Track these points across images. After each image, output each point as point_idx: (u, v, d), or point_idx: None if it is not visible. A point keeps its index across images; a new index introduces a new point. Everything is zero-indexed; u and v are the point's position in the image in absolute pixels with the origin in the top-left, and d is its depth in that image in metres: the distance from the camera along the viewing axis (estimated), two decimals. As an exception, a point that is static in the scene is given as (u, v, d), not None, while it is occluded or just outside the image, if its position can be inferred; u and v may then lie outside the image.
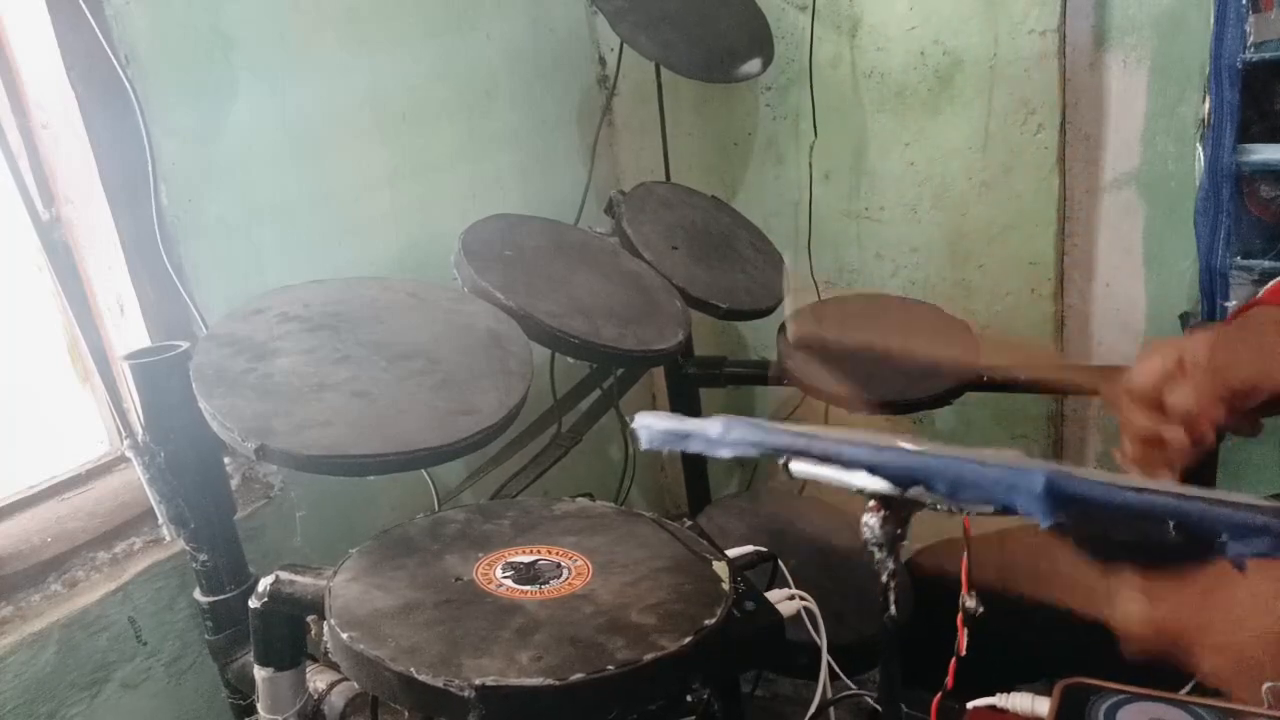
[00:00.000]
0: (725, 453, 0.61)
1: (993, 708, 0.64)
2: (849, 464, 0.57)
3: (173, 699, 1.08)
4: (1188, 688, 0.63)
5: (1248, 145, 1.42)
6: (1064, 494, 0.51)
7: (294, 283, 1.07)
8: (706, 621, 0.70)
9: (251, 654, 0.88)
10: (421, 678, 0.64)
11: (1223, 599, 0.64)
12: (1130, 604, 0.67)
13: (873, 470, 0.56)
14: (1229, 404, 0.73)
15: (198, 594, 0.99)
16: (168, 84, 1.06)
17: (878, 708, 0.84)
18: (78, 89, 0.99)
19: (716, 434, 0.61)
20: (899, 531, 0.60)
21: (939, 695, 0.63)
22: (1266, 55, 1.36)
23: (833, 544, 1.36)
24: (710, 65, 1.56)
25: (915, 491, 0.56)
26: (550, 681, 0.63)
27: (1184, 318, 1.57)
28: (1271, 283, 0.89)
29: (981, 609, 0.60)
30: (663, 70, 1.64)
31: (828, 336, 0.74)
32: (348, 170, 1.30)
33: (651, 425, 0.63)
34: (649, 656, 0.66)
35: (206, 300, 1.10)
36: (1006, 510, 0.53)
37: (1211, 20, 1.38)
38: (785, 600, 0.85)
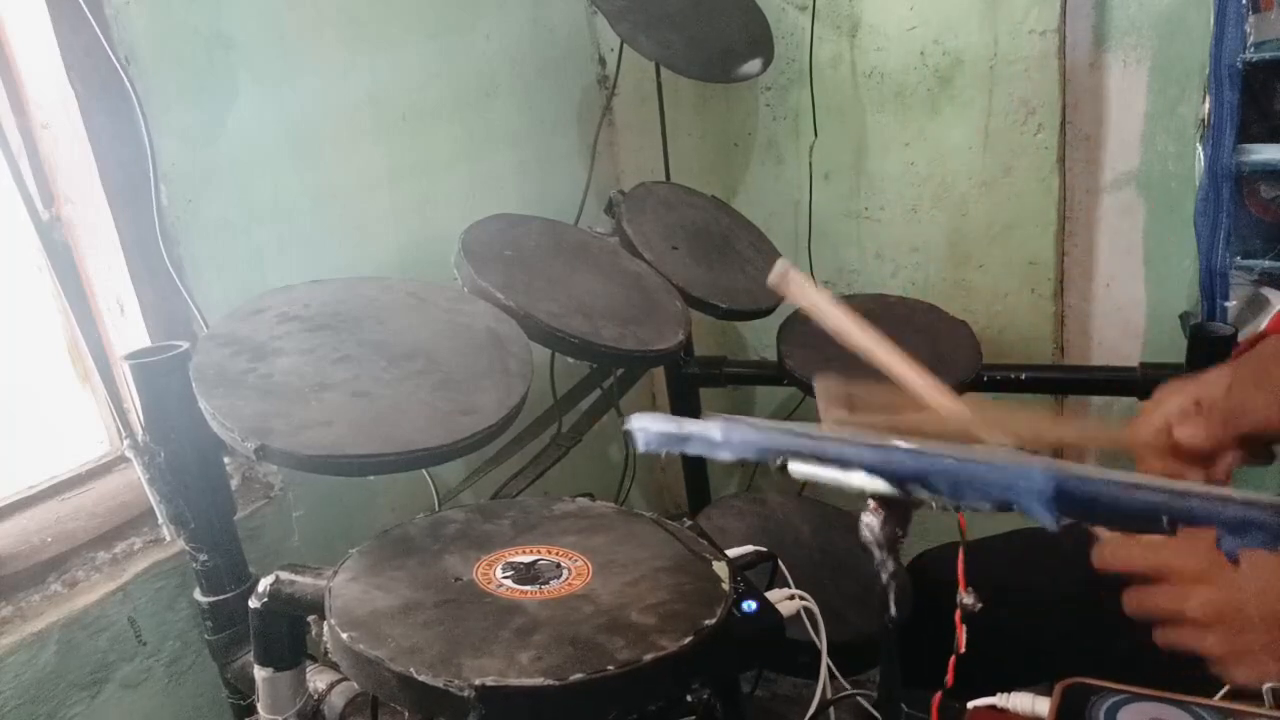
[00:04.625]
0: (726, 455, 0.61)
1: (993, 707, 0.64)
2: (848, 465, 0.57)
3: (173, 699, 1.08)
4: (1221, 693, 0.62)
5: (1248, 145, 1.42)
6: (1063, 492, 0.52)
7: (294, 283, 1.07)
8: (706, 621, 0.70)
9: (251, 654, 0.88)
10: (421, 678, 0.64)
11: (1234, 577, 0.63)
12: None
13: (873, 471, 0.56)
14: (1243, 442, 0.73)
15: (198, 594, 0.99)
16: (168, 84, 1.06)
17: (872, 710, 0.84)
18: (78, 89, 0.99)
19: (717, 437, 0.61)
20: (899, 531, 0.60)
21: (939, 694, 0.63)
22: (1266, 55, 1.36)
23: (833, 544, 1.36)
24: (710, 65, 1.56)
25: (915, 491, 0.56)
26: (550, 681, 0.63)
27: (1184, 318, 1.57)
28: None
29: (980, 606, 0.60)
30: (663, 70, 1.64)
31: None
32: (348, 170, 1.30)
33: (648, 427, 0.63)
34: (649, 656, 0.66)
35: (206, 300, 1.10)
36: (1006, 508, 0.53)
37: (1211, 20, 1.38)
38: (785, 600, 0.85)
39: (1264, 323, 1.26)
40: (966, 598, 0.60)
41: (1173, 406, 0.75)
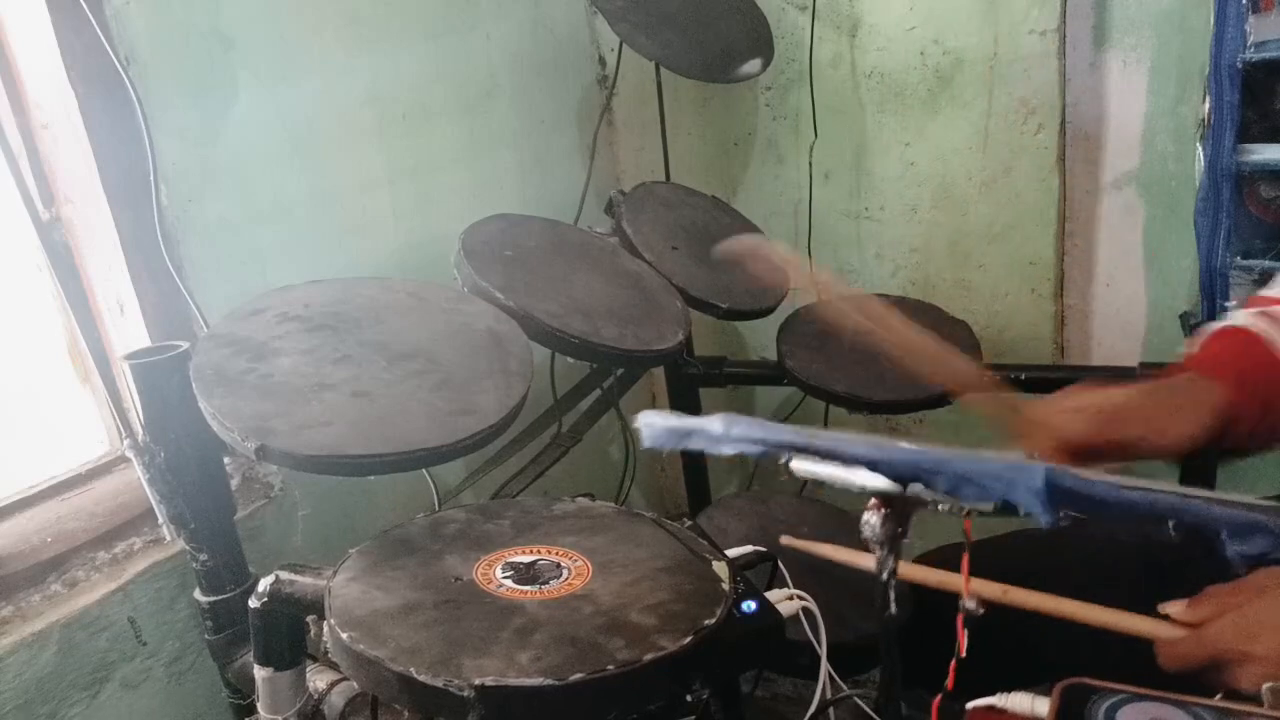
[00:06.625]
0: (727, 450, 0.61)
1: (992, 708, 0.64)
2: (850, 461, 0.57)
3: (173, 699, 1.08)
4: (1217, 698, 0.63)
5: (1248, 145, 1.42)
6: (1064, 491, 0.52)
7: (294, 283, 1.07)
8: (706, 621, 0.70)
9: (251, 654, 0.88)
10: (421, 678, 0.64)
11: (1269, 606, 0.64)
12: (1171, 611, 0.68)
13: (874, 467, 0.57)
14: (1118, 453, 0.78)
15: (198, 594, 0.99)
16: (168, 84, 1.06)
17: (869, 711, 0.84)
18: (78, 89, 0.99)
19: (718, 431, 0.61)
20: (899, 530, 0.60)
21: (939, 696, 0.63)
22: (1266, 55, 1.36)
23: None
24: (710, 65, 1.56)
25: (916, 489, 0.56)
26: (550, 681, 0.63)
27: (1184, 317, 1.57)
28: (1205, 335, 0.89)
29: (983, 611, 0.60)
30: (663, 70, 1.64)
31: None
32: (348, 170, 1.30)
33: (654, 423, 0.63)
34: (649, 656, 0.66)
35: (206, 300, 1.10)
36: (1007, 508, 0.53)
37: (1211, 20, 1.38)
38: (785, 600, 0.85)
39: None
40: (969, 602, 0.60)
41: (1068, 401, 0.82)
